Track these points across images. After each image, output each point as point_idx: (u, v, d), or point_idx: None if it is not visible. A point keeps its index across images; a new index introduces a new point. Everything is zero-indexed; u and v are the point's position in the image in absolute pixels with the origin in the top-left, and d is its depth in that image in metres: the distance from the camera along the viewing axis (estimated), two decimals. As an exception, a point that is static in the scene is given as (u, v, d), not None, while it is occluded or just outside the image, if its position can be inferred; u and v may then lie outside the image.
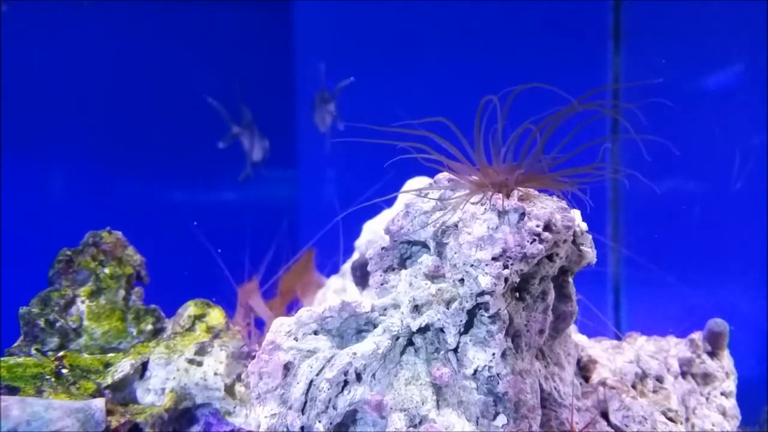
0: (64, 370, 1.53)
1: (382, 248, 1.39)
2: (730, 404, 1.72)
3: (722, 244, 2.78)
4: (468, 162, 1.29)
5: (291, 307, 2.26)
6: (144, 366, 1.61)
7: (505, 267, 1.21)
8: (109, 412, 1.50)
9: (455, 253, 1.26)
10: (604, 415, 1.50)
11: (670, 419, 1.57)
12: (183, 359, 1.60)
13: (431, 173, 1.42)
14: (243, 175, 3.37)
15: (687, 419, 1.63)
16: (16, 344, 1.64)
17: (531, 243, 1.22)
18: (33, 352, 1.59)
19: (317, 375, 1.26)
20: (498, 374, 1.22)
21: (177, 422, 1.57)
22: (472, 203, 1.28)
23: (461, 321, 1.23)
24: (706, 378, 1.73)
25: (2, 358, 1.53)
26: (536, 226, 1.23)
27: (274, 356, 1.31)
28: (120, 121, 3.32)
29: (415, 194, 1.38)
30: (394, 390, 1.24)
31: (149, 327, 1.74)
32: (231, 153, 3.57)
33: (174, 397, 1.57)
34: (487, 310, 1.22)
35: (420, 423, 1.21)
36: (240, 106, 3.32)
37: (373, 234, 2.17)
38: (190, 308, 1.73)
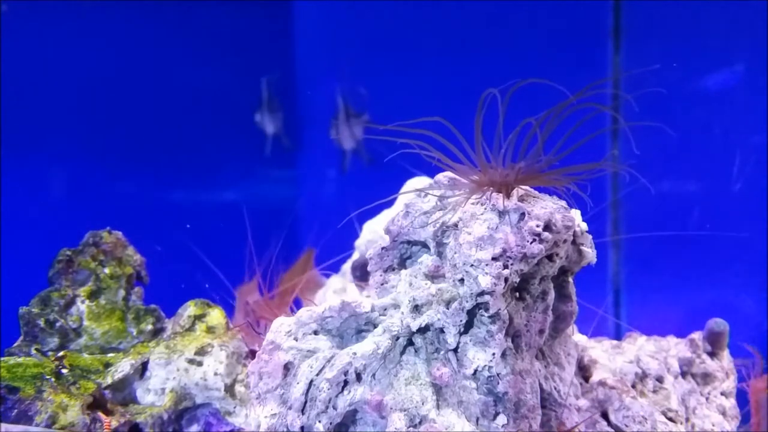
0: (64, 370, 1.53)
1: (382, 248, 1.39)
2: (730, 404, 1.72)
3: (722, 244, 2.78)
4: (468, 161, 1.29)
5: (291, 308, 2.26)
6: (144, 366, 1.61)
7: (505, 267, 1.21)
8: (109, 412, 1.50)
9: (455, 253, 1.26)
10: (604, 415, 1.50)
11: (670, 419, 1.57)
12: (183, 359, 1.60)
13: (431, 173, 1.42)
14: (268, 150, 3.41)
15: (687, 419, 1.63)
16: (16, 344, 1.64)
17: (531, 243, 1.22)
18: (33, 352, 1.59)
19: (317, 375, 1.26)
20: (498, 374, 1.22)
21: (177, 422, 1.58)
22: (472, 203, 1.28)
23: (461, 321, 1.23)
24: (706, 378, 1.73)
25: (2, 358, 1.53)
26: (536, 226, 1.23)
27: (274, 356, 1.31)
28: (120, 121, 3.32)
29: (415, 194, 1.38)
30: (394, 390, 1.24)
31: (149, 327, 1.74)
32: (231, 153, 3.58)
33: (174, 397, 1.57)
34: (487, 310, 1.22)
35: (420, 423, 1.21)
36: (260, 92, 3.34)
37: (373, 234, 2.17)
38: (190, 308, 1.73)
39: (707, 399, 1.70)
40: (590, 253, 1.37)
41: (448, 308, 1.24)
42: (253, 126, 3.49)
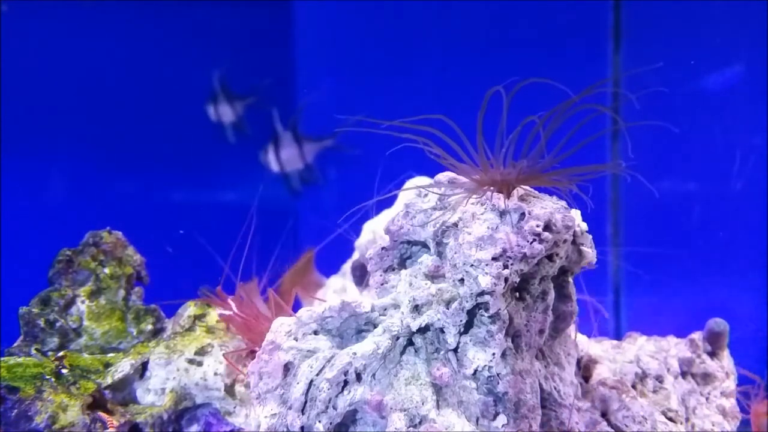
0: (64, 370, 1.53)
1: (382, 248, 1.39)
2: (730, 404, 1.72)
3: (722, 244, 2.78)
4: (469, 160, 1.29)
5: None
6: (144, 366, 1.61)
7: (505, 267, 1.21)
8: (109, 412, 1.50)
9: (455, 253, 1.26)
10: (604, 415, 1.50)
11: (670, 419, 1.57)
12: (183, 359, 1.60)
13: (431, 174, 1.42)
14: (231, 138, 3.43)
15: (687, 419, 1.63)
16: (16, 344, 1.64)
17: (531, 243, 1.22)
18: (33, 352, 1.59)
19: (317, 375, 1.26)
20: (498, 374, 1.22)
21: (177, 422, 1.58)
22: (473, 203, 1.28)
23: (461, 321, 1.23)
24: (706, 378, 1.73)
25: (2, 358, 1.53)
26: (536, 226, 1.23)
27: (274, 356, 1.31)
28: (120, 121, 3.32)
29: (415, 194, 1.38)
30: (394, 390, 1.24)
31: (149, 327, 1.74)
32: (232, 153, 3.57)
33: (174, 397, 1.57)
34: (487, 310, 1.22)
35: (420, 423, 1.21)
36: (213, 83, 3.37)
37: (373, 234, 2.17)
38: (190, 308, 1.73)
39: (707, 399, 1.70)
40: (590, 253, 1.37)
41: (448, 308, 1.24)
42: (253, 126, 3.49)
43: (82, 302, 1.70)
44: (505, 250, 1.21)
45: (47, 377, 1.48)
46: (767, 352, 2.52)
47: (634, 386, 1.62)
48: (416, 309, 1.27)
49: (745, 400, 1.90)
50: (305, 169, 3.33)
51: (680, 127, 2.68)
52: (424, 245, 1.35)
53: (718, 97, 2.80)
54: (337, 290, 2.26)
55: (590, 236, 1.37)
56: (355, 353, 1.25)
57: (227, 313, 1.70)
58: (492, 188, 1.28)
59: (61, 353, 1.59)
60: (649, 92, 1.23)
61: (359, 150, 3.37)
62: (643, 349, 1.74)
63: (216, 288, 1.75)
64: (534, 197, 1.31)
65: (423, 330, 1.27)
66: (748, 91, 2.70)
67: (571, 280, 1.41)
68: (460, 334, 1.24)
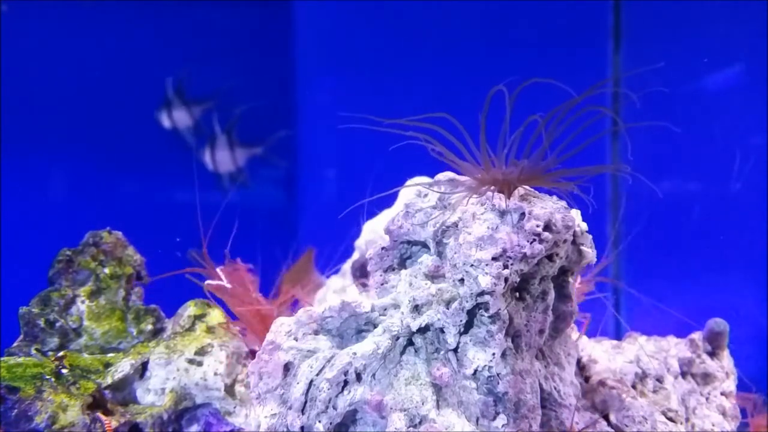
0: (64, 370, 1.53)
1: (382, 248, 1.39)
2: (730, 404, 1.72)
3: (722, 244, 2.78)
4: (471, 159, 1.29)
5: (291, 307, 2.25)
6: (144, 366, 1.61)
7: (505, 267, 1.21)
8: (109, 412, 1.50)
9: (455, 253, 1.26)
10: (604, 415, 1.50)
11: (670, 419, 1.58)
12: (183, 359, 1.60)
13: (432, 174, 1.42)
14: (191, 141, 3.50)
15: (687, 419, 1.63)
16: (16, 344, 1.64)
17: (531, 243, 1.22)
18: (33, 352, 1.59)
19: (317, 375, 1.26)
20: (498, 374, 1.22)
21: (177, 422, 1.58)
22: (473, 203, 1.28)
23: (461, 321, 1.23)
24: (706, 378, 1.73)
25: (2, 358, 1.53)
26: (536, 226, 1.23)
27: (274, 356, 1.31)
28: (120, 121, 3.32)
29: (416, 193, 1.39)
30: (394, 390, 1.24)
31: (149, 327, 1.74)
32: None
33: (174, 397, 1.57)
34: (487, 310, 1.22)
35: (420, 423, 1.21)
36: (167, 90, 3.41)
37: (373, 234, 2.17)
38: (190, 308, 1.73)
39: (707, 399, 1.70)
40: (590, 253, 1.37)
41: (448, 308, 1.24)
42: (252, 126, 3.49)
43: (82, 302, 1.70)
44: (505, 250, 1.21)
45: (47, 377, 1.48)
46: (767, 352, 2.52)
47: (634, 386, 1.62)
48: (416, 309, 1.27)
49: (745, 401, 1.90)
50: (236, 171, 3.51)
51: (680, 127, 2.68)
52: (424, 245, 1.35)
53: (718, 97, 2.79)
54: (337, 290, 2.26)
55: (590, 236, 1.37)
56: (355, 353, 1.25)
57: (214, 283, 1.71)
58: (493, 187, 1.28)
59: (61, 353, 1.59)
60: (649, 92, 1.23)
61: (286, 162, 3.58)
62: (643, 349, 1.74)
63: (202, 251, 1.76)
64: (534, 197, 1.31)
65: (423, 330, 1.27)
66: (748, 91, 2.70)
67: (571, 280, 1.41)
68: (460, 334, 1.24)
